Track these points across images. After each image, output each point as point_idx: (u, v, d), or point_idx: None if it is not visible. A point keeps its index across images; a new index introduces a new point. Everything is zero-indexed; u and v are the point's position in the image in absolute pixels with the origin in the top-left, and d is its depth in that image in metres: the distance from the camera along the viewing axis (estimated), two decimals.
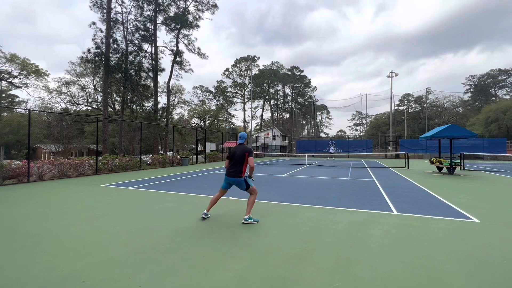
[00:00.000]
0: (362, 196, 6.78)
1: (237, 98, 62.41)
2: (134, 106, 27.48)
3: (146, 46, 26.55)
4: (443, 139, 12.59)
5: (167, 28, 29.27)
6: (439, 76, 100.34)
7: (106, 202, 6.11)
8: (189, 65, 31.93)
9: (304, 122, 77.98)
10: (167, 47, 30.07)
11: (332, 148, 30.52)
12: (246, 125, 58.43)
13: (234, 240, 3.57)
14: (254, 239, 3.59)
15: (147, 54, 26.69)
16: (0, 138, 28.54)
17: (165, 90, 34.05)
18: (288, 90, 71.61)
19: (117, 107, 33.99)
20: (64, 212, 5.11)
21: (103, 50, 22.20)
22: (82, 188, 8.13)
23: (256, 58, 61.29)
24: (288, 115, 71.67)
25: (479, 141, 27.06)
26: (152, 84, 27.86)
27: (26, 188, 8.25)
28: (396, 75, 39.31)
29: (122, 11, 25.24)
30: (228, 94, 61.16)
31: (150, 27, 26.56)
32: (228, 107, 61.27)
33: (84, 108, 37.00)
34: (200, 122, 53.90)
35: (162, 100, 44.86)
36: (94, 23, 22.61)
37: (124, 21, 25.11)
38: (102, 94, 27.31)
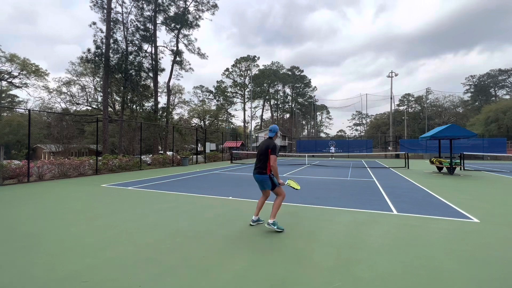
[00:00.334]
0: (362, 196, 6.78)
1: (237, 98, 62.44)
2: (134, 106, 27.48)
3: (146, 46, 26.57)
4: (443, 139, 12.59)
5: (167, 28, 29.29)
6: (439, 76, 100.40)
7: (106, 202, 6.11)
8: (189, 64, 31.95)
9: (304, 122, 77.97)
10: (167, 47, 30.10)
11: (332, 148, 30.52)
12: (246, 125, 58.45)
13: (234, 240, 3.57)
14: (254, 239, 3.59)
15: (147, 54, 26.70)
16: (0, 138, 28.54)
17: (165, 90, 34.06)
18: (288, 90, 71.62)
19: (117, 107, 33.98)
20: (64, 212, 5.11)
21: (103, 50, 22.20)
22: (82, 188, 8.13)
23: (256, 58, 61.32)
24: (288, 115, 71.67)
25: (479, 141, 27.06)
26: (152, 84, 27.85)
27: (26, 188, 8.25)
28: (396, 75, 39.31)
29: (122, 11, 25.26)
30: (228, 94, 61.17)
31: (150, 27, 26.57)
32: (228, 107, 61.28)
33: (84, 108, 37.00)
34: (200, 122, 53.90)
35: (162, 100, 44.87)
36: (94, 23, 22.63)
37: (124, 21, 25.13)
38: (102, 94, 27.31)
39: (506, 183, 9.20)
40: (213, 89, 60.72)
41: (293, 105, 71.19)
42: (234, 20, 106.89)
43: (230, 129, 55.23)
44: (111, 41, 22.70)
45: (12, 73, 35.41)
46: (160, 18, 28.24)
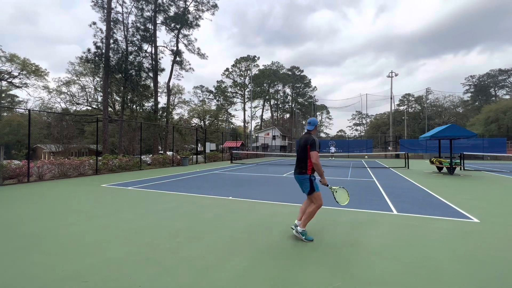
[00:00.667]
0: (362, 196, 6.78)
1: (237, 98, 62.47)
2: (134, 106, 27.48)
3: (146, 46, 26.58)
4: (443, 139, 12.59)
5: (167, 28, 29.29)
6: (439, 76, 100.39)
7: (106, 202, 6.11)
8: (189, 64, 31.95)
9: (304, 122, 77.88)
10: (167, 47, 30.10)
11: (332, 148, 30.51)
12: (246, 125, 58.46)
13: (234, 240, 3.57)
14: (254, 239, 3.59)
15: (147, 54, 26.70)
16: (0, 138, 28.54)
17: (165, 90, 34.07)
18: (288, 90, 71.62)
19: (117, 107, 33.99)
20: (64, 212, 5.11)
21: (103, 50, 22.20)
22: (82, 188, 8.13)
23: (256, 58, 61.33)
24: (288, 115, 71.66)
25: (479, 141, 27.06)
26: (152, 84, 27.86)
27: (26, 188, 8.25)
28: (396, 75, 39.32)
29: (122, 11, 25.29)
30: (228, 94, 61.17)
31: (150, 27, 26.58)
32: (228, 107, 61.29)
33: (84, 108, 37.01)
34: (200, 122, 53.90)
35: (162, 100, 44.87)
36: (94, 23, 22.63)
37: (124, 21, 25.15)
38: (102, 94, 27.32)
39: (506, 183, 9.20)
40: (213, 89, 60.80)
41: (293, 105, 71.18)
42: (235, 20, 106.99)
43: (230, 129, 55.24)
44: (111, 41, 22.70)
45: (12, 73, 35.45)
46: (160, 18, 28.27)
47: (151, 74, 27.20)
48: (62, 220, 4.57)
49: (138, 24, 25.74)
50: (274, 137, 46.58)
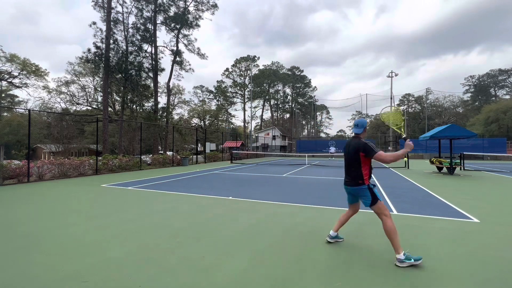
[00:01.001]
0: None
1: (237, 98, 62.47)
2: (134, 106, 27.49)
3: (146, 46, 26.58)
4: (443, 139, 12.58)
5: (167, 28, 29.30)
6: (440, 76, 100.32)
7: (106, 202, 6.11)
8: (189, 65, 31.95)
9: (304, 122, 77.98)
10: (167, 47, 30.11)
11: (332, 148, 30.49)
12: (246, 125, 58.46)
13: (234, 240, 3.57)
14: (254, 239, 3.59)
15: (147, 54, 26.71)
16: (0, 138, 28.54)
17: (165, 90, 34.07)
18: (288, 90, 71.64)
19: (117, 107, 33.99)
20: (64, 212, 5.11)
21: (103, 50, 22.21)
22: (82, 188, 8.13)
23: (256, 58, 61.33)
24: (288, 115, 71.67)
25: (479, 141, 27.06)
26: (152, 84, 27.87)
27: (26, 188, 8.25)
28: (396, 75, 39.30)
29: (123, 10, 25.30)
30: (228, 94, 61.18)
31: (150, 27, 26.58)
32: (228, 107, 61.29)
33: (84, 108, 37.03)
34: (200, 122, 53.90)
35: (162, 100, 44.88)
36: (94, 23, 22.64)
37: (124, 21, 25.17)
38: (102, 94, 27.32)
39: (506, 183, 9.20)
40: (213, 89, 60.81)
41: (293, 105, 71.19)
42: (235, 21, 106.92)
43: (230, 129, 55.25)
44: (111, 41, 22.71)
45: (12, 73, 35.45)
46: (160, 18, 28.29)
47: (151, 74, 27.20)
48: (62, 220, 4.57)
49: (138, 24, 25.78)
50: (274, 137, 46.58)
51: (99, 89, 34.68)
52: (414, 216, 4.75)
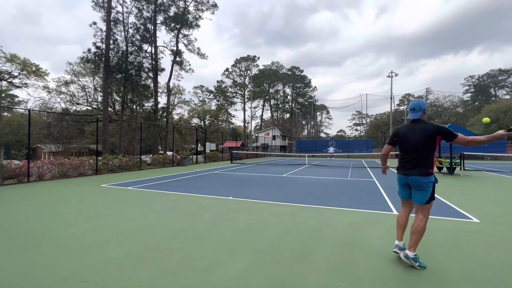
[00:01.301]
0: (362, 196, 6.78)
1: (237, 98, 62.47)
2: (134, 106, 27.49)
3: (146, 46, 26.57)
4: None
5: (167, 28, 29.29)
6: (440, 77, 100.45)
7: (106, 202, 6.11)
8: (189, 65, 31.95)
9: (304, 122, 77.96)
10: (167, 47, 30.10)
11: (331, 148, 30.45)
12: (246, 125, 58.45)
13: (234, 240, 3.57)
14: (254, 239, 3.59)
15: (147, 54, 26.71)
16: (0, 138, 28.54)
17: (165, 90, 34.07)
18: (288, 90, 71.63)
19: (117, 107, 33.99)
20: (64, 212, 5.11)
21: (103, 50, 22.21)
22: (82, 188, 8.13)
23: (256, 58, 61.31)
24: (288, 115, 71.65)
25: None
26: (152, 84, 27.86)
27: (26, 188, 8.25)
28: (396, 75, 39.25)
29: (123, 10, 25.28)
30: (228, 94, 61.18)
31: (150, 27, 26.58)
32: (228, 107, 61.29)
33: (84, 108, 37.02)
34: (200, 122, 53.90)
35: (162, 100, 44.88)
36: (95, 23, 22.63)
37: (124, 21, 25.16)
38: (102, 94, 27.31)
39: (506, 183, 9.19)
40: (213, 89, 60.79)
41: (293, 105, 71.18)
42: (236, 21, 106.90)
43: (230, 129, 55.24)
44: (111, 41, 22.71)
45: (12, 73, 35.45)
46: (160, 18, 28.28)
47: (151, 74, 27.20)
48: (62, 220, 4.57)
49: (138, 24, 25.77)
50: (274, 137, 46.58)
51: (99, 89, 34.67)
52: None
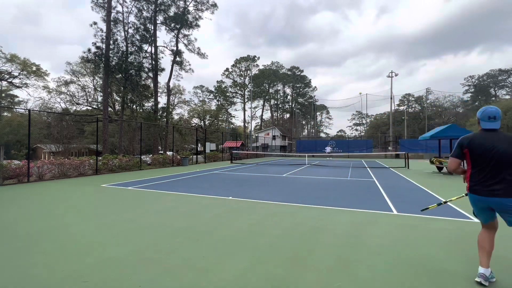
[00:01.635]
0: (362, 196, 6.78)
1: (237, 98, 62.49)
2: (134, 106, 27.50)
3: (146, 46, 26.59)
4: (443, 139, 12.58)
5: (167, 28, 29.32)
6: (440, 77, 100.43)
7: (106, 202, 6.11)
8: (189, 65, 31.98)
9: (304, 122, 77.97)
10: (167, 47, 30.13)
11: (328, 147, 30.36)
12: (246, 125, 58.46)
13: (234, 240, 3.57)
14: (254, 239, 3.59)
15: (147, 54, 26.72)
16: (0, 138, 28.54)
17: (165, 90, 34.08)
18: (288, 90, 71.65)
19: (117, 107, 33.98)
20: (64, 212, 5.11)
21: (103, 50, 22.22)
22: (82, 188, 8.13)
23: (256, 58, 61.33)
24: (288, 115, 71.66)
25: None
26: (152, 84, 27.87)
27: (26, 188, 8.25)
28: (396, 75, 39.39)
29: (123, 10, 25.29)
30: (228, 94, 61.18)
31: (150, 27, 26.59)
32: (228, 107, 61.30)
33: (84, 108, 37.02)
34: (200, 122, 53.90)
35: (162, 100, 44.88)
36: (95, 23, 22.66)
37: (125, 21, 25.17)
38: (102, 94, 27.33)
39: None
40: (214, 89, 60.79)
41: (293, 105, 71.20)
42: (236, 21, 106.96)
43: (230, 129, 55.24)
44: (111, 41, 22.72)
45: (12, 73, 35.44)
46: (160, 18, 28.31)
47: (151, 74, 27.22)
48: (62, 220, 4.57)
49: (138, 24, 25.79)
50: (274, 137, 46.58)
51: (99, 89, 34.67)
52: (414, 216, 4.75)
